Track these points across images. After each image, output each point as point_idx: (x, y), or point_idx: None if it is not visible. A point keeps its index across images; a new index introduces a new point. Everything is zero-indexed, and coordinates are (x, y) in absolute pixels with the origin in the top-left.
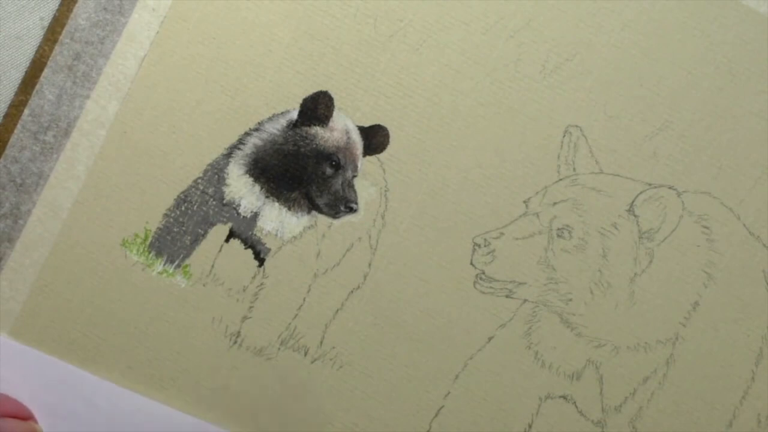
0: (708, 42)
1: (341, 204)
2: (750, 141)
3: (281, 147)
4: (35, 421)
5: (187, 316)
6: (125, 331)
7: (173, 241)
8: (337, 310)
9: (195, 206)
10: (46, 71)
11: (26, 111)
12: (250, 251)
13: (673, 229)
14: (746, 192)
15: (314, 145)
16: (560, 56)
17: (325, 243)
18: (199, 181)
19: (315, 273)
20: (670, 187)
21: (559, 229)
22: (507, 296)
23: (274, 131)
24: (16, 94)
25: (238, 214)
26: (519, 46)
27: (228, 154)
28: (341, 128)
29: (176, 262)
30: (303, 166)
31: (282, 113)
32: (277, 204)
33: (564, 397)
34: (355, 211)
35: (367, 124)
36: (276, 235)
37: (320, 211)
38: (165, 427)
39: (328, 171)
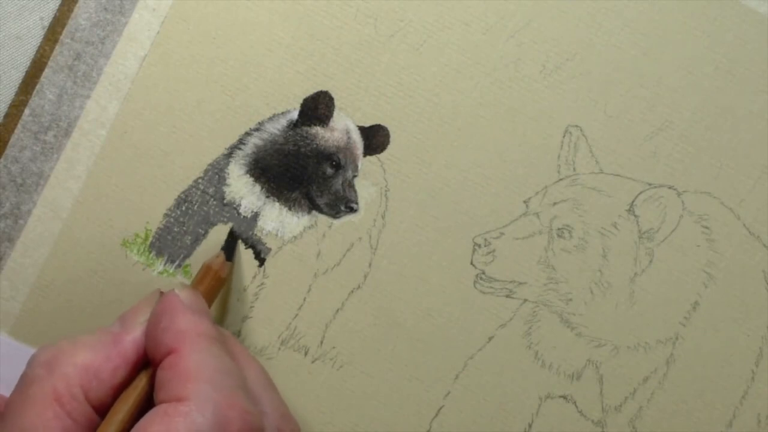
0: (708, 42)
1: (341, 204)
2: (750, 141)
3: (282, 147)
4: None
5: None
6: None
7: (174, 241)
8: (338, 310)
9: (195, 206)
10: (46, 71)
11: (27, 111)
12: (250, 251)
13: (673, 229)
14: (746, 192)
15: (315, 145)
16: (560, 56)
17: (325, 243)
18: (200, 181)
19: (315, 273)
20: (670, 187)
21: (559, 229)
22: (507, 296)
23: (275, 131)
24: (17, 94)
25: (239, 214)
26: (519, 46)
27: (228, 154)
28: (342, 128)
29: (177, 262)
30: (303, 165)
31: (282, 113)
32: (277, 204)
33: (564, 397)
34: (356, 210)
35: (367, 124)
36: (276, 235)
37: (321, 211)
38: None
39: (329, 171)
